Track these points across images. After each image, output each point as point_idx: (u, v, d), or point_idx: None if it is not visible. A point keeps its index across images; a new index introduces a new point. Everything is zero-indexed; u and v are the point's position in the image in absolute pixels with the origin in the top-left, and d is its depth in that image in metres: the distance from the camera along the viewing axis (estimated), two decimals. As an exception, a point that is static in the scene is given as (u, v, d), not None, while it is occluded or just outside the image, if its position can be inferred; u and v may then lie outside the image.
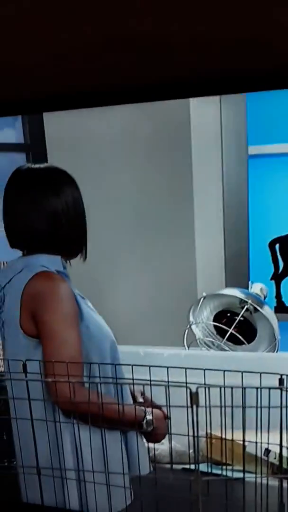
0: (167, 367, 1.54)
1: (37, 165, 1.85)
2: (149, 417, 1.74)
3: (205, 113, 2.98)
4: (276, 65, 1.11)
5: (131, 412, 1.71)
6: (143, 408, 1.75)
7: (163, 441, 1.77)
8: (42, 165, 1.85)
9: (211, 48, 1.05)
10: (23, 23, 0.97)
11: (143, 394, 1.79)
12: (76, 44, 1.05)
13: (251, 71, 1.15)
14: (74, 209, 1.83)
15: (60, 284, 1.75)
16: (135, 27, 0.98)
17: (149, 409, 1.75)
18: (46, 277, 1.75)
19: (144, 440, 1.78)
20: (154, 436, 1.77)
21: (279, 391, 1.52)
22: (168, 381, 1.51)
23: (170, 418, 1.70)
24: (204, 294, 2.34)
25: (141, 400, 1.78)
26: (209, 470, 1.75)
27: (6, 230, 1.85)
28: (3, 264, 2.49)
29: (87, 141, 3.03)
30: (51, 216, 1.79)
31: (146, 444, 1.78)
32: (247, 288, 2.38)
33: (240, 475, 1.65)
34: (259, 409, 1.52)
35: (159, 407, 1.76)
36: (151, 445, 1.80)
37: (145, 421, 1.74)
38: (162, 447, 1.78)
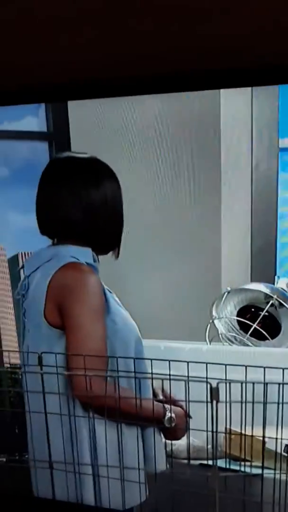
0: (187, 362, 1.54)
1: (78, 154, 1.84)
2: (170, 414, 1.73)
3: (235, 104, 2.95)
4: None
5: (151, 407, 1.71)
6: (164, 405, 1.74)
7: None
8: (83, 155, 1.84)
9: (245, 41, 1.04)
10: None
11: (163, 390, 1.78)
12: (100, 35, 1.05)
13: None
14: (113, 204, 1.82)
15: (89, 276, 1.74)
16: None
17: (169, 406, 1.74)
18: (75, 268, 1.74)
19: (162, 436, 1.78)
20: (174, 433, 1.76)
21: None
22: (188, 376, 1.52)
23: (191, 417, 1.70)
24: (229, 288, 2.32)
25: (161, 397, 1.78)
26: (227, 466, 1.75)
27: (38, 215, 1.83)
28: (28, 254, 2.49)
29: (113, 132, 3.02)
30: (88, 207, 1.78)
31: (163, 441, 1.78)
32: (273, 283, 2.37)
33: (259, 471, 1.65)
34: (280, 405, 1.52)
35: (180, 405, 1.75)
36: (168, 441, 1.80)
37: (166, 418, 1.74)
38: (179, 442, 1.78)
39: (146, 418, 1.68)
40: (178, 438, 1.76)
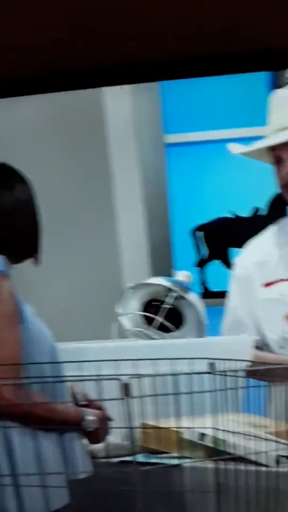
0: (94, 361, 1.54)
1: None
2: (90, 417, 1.72)
3: (118, 102, 2.97)
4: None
5: (68, 411, 1.69)
6: (82, 409, 1.73)
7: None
8: None
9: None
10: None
11: (85, 395, 1.76)
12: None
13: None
14: (24, 209, 1.80)
15: None
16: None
17: (89, 410, 1.73)
18: None
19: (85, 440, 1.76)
20: (96, 436, 1.75)
21: (209, 375, 1.54)
22: (98, 375, 1.51)
23: (111, 419, 1.70)
24: (131, 284, 2.34)
25: (83, 402, 1.76)
26: (147, 460, 1.76)
27: None
28: None
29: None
30: None
31: (84, 443, 1.76)
32: (172, 276, 2.40)
33: (177, 461, 1.68)
34: (191, 395, 1.54)
35: (98, 406, 1.74)
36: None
37: (85, 421, 1.72)
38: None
39: (64, 422, 1.66)
40: (100, 441, 1.75)
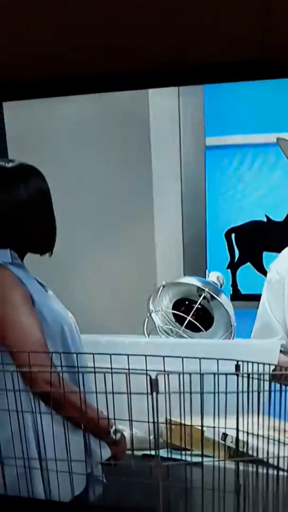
0: (128, 355, 1.57)
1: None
2: (115, 426, 1.76)
3: (163, 105, 3.00)
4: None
5: (96, 411, 1.71)
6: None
7: (124, 428, 1.79)
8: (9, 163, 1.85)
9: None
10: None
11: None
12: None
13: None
14: (37, 205, 1.84)
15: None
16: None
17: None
18: None
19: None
20: (117, 448, 1.79)
21: (235, 376, 1.56)
22: (128, 369, 1.54)
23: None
24: (164, 282, 2.37)
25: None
26: (169, 456, 1.79)
27: None
28: None
29: (45, 133, 3.03)
30: (11, 208, 1.80)
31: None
32: (205, 276, 2.42)
33: (199, 459, 1.69)
34: (216, 395, 1.55)
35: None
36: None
37: (112, 429, 1.76)
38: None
39: (93, 421, 1.70)
40: (118, 457, 1.79)
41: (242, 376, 1.58)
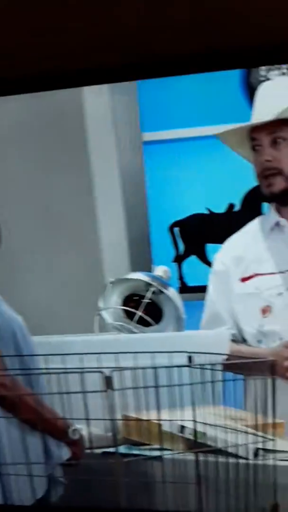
0: (79, 354, 1.57)
1: None
2: (74, 426, 1.74)
3: (97, 102, 2.99)
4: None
5: (54, 412, 1.70)
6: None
7: (82, 426, 1.78)
8: None
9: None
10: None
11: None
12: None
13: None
14: None
15: None
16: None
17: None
18: None
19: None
20: (76, 449, 1.77)
21: (188, 368, 1.57)
22: (82, 368, 1.53)
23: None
24: (110, 279, 2.36)
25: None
26: (129, 451, 1.79)
27: None
28: None
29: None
30: None
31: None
32: (151, 271, 2.43)
33: (159, 453, 1.70)
34: (171, 388, 1.56)
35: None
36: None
37: (71, 428, 1.75)
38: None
39: (51, 422, 1.68)
40: (78, 457, 1.77)
41: (195, 368, 1.59)
